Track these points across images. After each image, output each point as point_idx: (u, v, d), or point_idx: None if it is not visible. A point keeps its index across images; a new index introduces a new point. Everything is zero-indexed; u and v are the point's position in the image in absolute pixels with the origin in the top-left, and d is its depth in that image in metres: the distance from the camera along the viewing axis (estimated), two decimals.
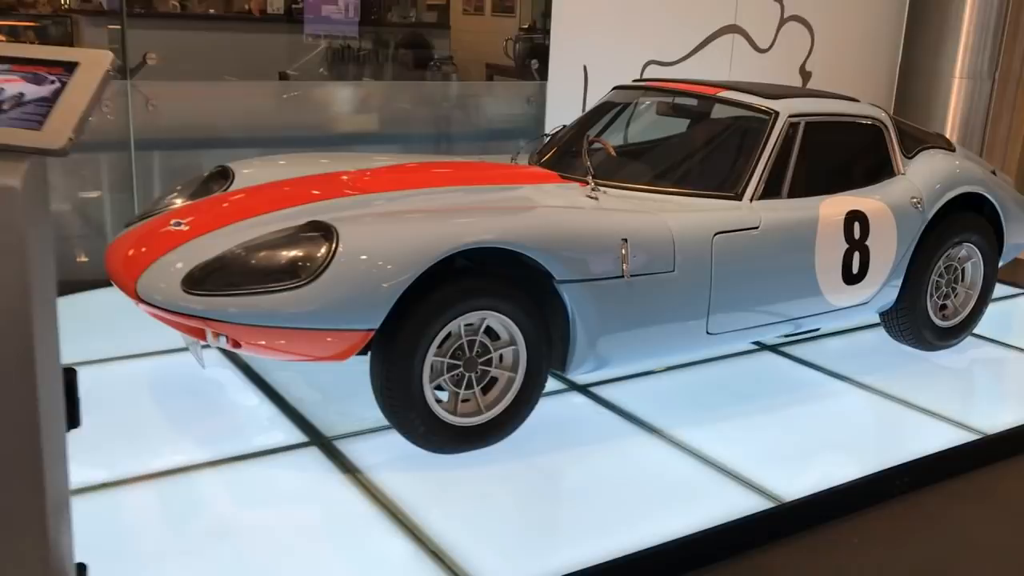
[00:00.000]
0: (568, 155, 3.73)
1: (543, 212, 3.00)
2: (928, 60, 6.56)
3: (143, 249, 2.89)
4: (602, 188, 3.34)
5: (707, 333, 3.21)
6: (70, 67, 1.51)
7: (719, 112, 3.70)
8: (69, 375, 1.64)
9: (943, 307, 3.96)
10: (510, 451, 2.91)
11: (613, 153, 3.56)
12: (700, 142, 3.70)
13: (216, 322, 2.59)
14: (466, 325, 2.77)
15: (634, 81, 4.11)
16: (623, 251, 2.94)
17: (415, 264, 2.60)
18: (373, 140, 5.30)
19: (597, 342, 2.96)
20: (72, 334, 3.58)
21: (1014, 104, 6.51)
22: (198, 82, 4.96)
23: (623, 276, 2.94)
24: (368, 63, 7.35)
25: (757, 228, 3.24)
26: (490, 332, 2.84)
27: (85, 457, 2.63)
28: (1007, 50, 6.45)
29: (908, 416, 3.40)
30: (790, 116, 3.47)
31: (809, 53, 6.35)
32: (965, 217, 3.86)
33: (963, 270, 3.98)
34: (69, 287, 4.16)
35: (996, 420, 3.37)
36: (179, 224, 2.97)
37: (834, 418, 3.35)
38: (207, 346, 2.72)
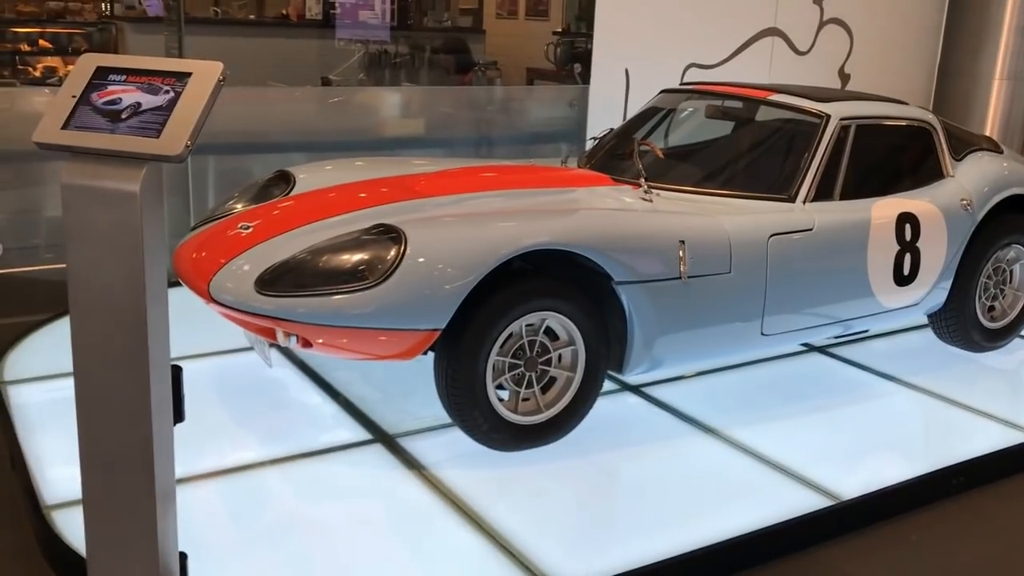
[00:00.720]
0: (617, 158, 3.78)
1: (598, 214, 3.06)
2: (968, 62, 6.55)
3: (212, 252, 2.98)
4: (655, 190, 3.39)
5: (761, 334, 3.25)
6: (182, 77, 1.58)
7: (768, 115, 3.74)
8: (176, 371, 1.72)
9: (991, 308, 3.98)
10: (569, 449, 2.96)
11: (662, 155, 3.61)
12: (751, 145, 3.75)
13: (287, 322, 2.67)
14: (527, 325, 2.83)
15: (681, 84, 4.16)
16: (680, 252, 2.99)
17: (478, 267, 2.67)
18: (418, 144, 5.38)
19: (654, 343, 3.02)
20: None
21: None
22: (247, 87, 5.06)
23: (680, 277, 2.99)
24: (406, 67, 7.45)
25: (811, 230, 3.28)
26: (550, 332, 2.90)
27: None
28: None
29: (958, 416, 3.43)
30: (841, 119, 3.51)
31: (848, 55, 6.36)
32: (1014, 219, 3.87)
33: (1011, 272, 3.99)
34: None
35: None
36: (246, 228, 3.05)
37: (884, 418, 3.38)
38: (275, 345, 2.80)
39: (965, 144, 3.96)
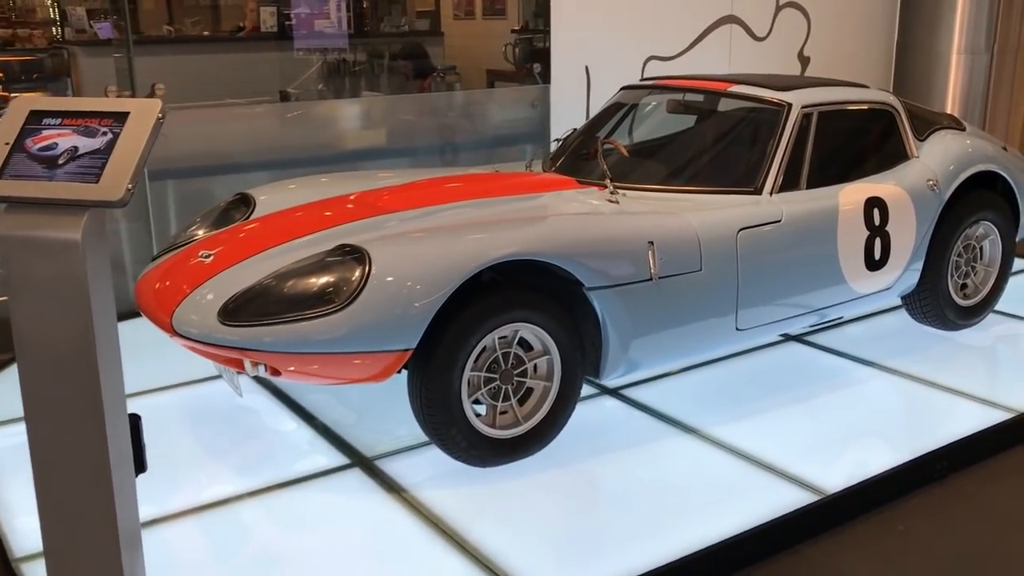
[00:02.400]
0: (582, 159, 3.74)
1: (566, 220, 3.01)
2: (925, 38, 6.57)
3: (174, 283, 2.91)
4: (621, 191, 3.35)
5: (736, 329, 3.23)
6: (120, 118, 1.52)
7: (730, 107, 3.72)
8: (134, 421, 1.66)
9: (963, 286, 3.97)
10: (550, 459, 2.92)
11: (626, 154, 3.58)
12: (714, 138, 3.72)
13: (254, 352, 2.61)
14: (500, 338, 2.79)
15: (642, 80, 4.13)
16: (650, 254, 2.95)
17: (447, 282, 2.62)
18: (381, 155, 5.32)
19: (629, 346, 2.98)
20: None
21: (1013, 77, 6.53)
22: (204, 108, 4.97)
23: (651, 279, 2.96)
24: (365, 75, 7.37)
25: (780, 221, 3.26)
26: (524, 343, 2.86)
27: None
28: (1003, 23, 6.46)
29: (937, 398, 3.42)
30: (803, 107, 3.49)
31: (806, 38, 6.36)
32: (980, 195, 3.87)
33: (981, 248, 3.99)
34: None
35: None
36: (207, 256, 2.99)
37: (864, 405, 3.37)
38: (245, 373, 2.74)
39: (927, 124, 3.95)
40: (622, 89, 4.15)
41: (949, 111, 6.51)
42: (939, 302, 3.85)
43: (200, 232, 3.30)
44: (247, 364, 2.65)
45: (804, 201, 3.37)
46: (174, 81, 5.94)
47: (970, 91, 6.48)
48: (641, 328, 2.99)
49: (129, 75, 4.54)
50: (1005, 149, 4.15)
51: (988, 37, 6.44)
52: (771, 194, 3.35)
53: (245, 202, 3.42)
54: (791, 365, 3.72)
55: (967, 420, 3.23)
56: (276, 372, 2.65)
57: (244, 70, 6.98)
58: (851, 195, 3.48)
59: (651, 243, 2.97)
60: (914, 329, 4.04)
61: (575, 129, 4.16)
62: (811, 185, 3.45)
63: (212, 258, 2.97)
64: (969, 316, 3.99)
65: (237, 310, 2.67)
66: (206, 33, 8.30)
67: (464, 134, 5.55)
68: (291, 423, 3.20)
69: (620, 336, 2.94)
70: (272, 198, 3.43)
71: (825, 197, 3.43)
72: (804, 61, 6.41)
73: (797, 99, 3.51)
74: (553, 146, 4.07)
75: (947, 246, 3.78)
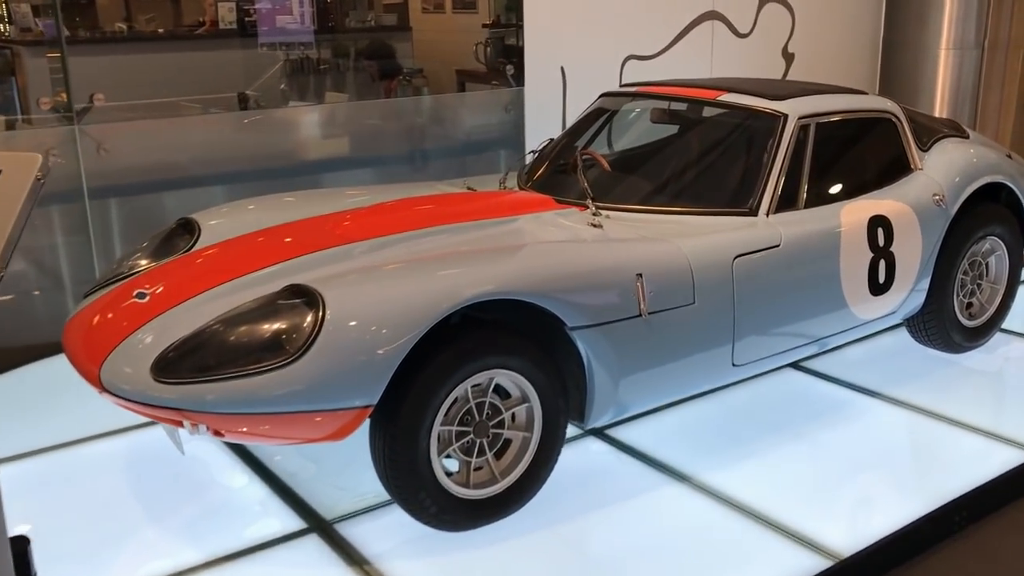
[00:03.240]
0: (559, 174, 3.45)
1: (546, 251, 2.71)
2: (913, 33, 6.32)
3: (104, 328, 2.58)
4: (603, 212, 3.06)
5: (733, 365, 2.95)
6: None
7: (720, 116, 3.43)
8: (20, 546, 1.34)
9: (968, 305, 3.72)
10: (531, 519, 2.63)
11: (608, 168, 3.28)
12: (703, 152, 3.42)
13: (194, 413, 2.29)
14: (473, 387, 2.49)
15: (623, 86, 3.83)
16: (639, 287, 2.66)
17: (412, 327, 2.31)
18: (346, 165, 4.98)
19: (618, 388, 2.69)
20: (31, 413, 3.29)
21: (1004, 72, 6.29)
22: (152, 120, 4.61)
23: (641, 315, 2.67)
24: (331, 75, 7.01)
25: (778, 246, 2.97)
26: (500, 390, 2.56)
27: (61, 568, 2.33)
28: (994, 17, 6.22)
29: (945, 434, 3.16)
30: (800, 118, 3.21)
31: (791, 35, 6.09)
32: (987, 209, 3.62)
33: (987, 265, 3.74)
34: (29, 353, 3.83)
35: None
36: (143, 296, 2.66)
37: (868, 443, 3.10)
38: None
39: (930, 132, 3.69)
40: (601, 96, 3.85)
41: (937, 109, 6.27)
42: (944, 324, 3.59)
43: (142, 262, 2.96)
44: (187, 425, 2.33)
45: (803, 223, 3.09)
46: (123, 82, 5.57)
47: (959, 88, 6.24)
48: (630, 368, 2.70)
49: (64, 80, 4.17)
50: (1010, 156, 3.90)
51: (978, 32, 6.20)
52: (767, 215, 3.06)
53: (188, 229, 3.08)
54: (787, 396, 3.45)
55: (980, 460, 2.98)
56: (219, 433, 2.34)
57: (200, 70, 6.60)
58: (853, 214, 3.20)
59: (639, 275, 2.67)
60: (915, 351, 3.78)
61: (551, 140, 3.86)
62: (809, 204, 3.17)
63: (148, 298, 2.64)
64: (975, 337, 3.74)
65: (174, 364, 2.34)
66: (161, 30, 7.90)
67: (434, 141, 5.22)
68: (242, 477, 2.88)
69: (607, 378, 2.65)
70: (225, 223, 3.10)
71: (826, 218, 3.15)
72: (788, 58, 6.14)
73: (793, 109, 3.22)
74: (528, 158, 3.76)
75: (953, 264, 3.52)
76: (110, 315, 2.64)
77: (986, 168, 3.63)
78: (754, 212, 3.06)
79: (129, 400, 2.36)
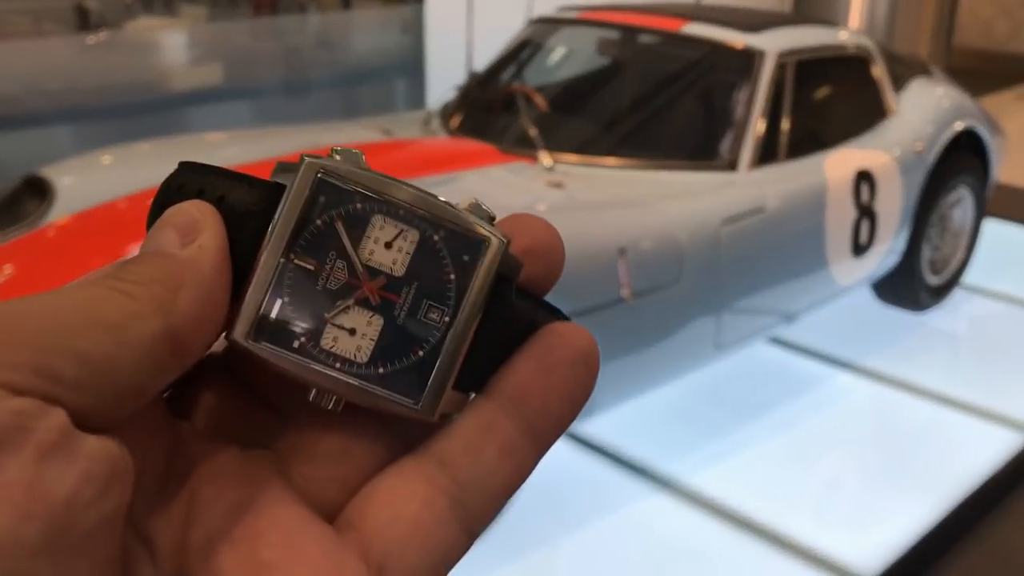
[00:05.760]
0: (490, 117, 2.91)
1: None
2: None
3: None
4: (560, 165, 2.55)
5: (715, 347, 2.53)
6: None
7: (684, 51, 2.94)
8: None
9: (931, 261, 3.43)
10: (500, 544, 2.16)
11: (546, 109, 2.78)
12: (670, 96, 2.92)
13: None
14: None
15: (561, 9, 3.28)
16: (621, 265, 2.18)
17: None
18: (216, 97, 4.24)
19: (596, 386, 2.22)
20: None
21: (919, 5, 6.03)
22: None
23: (624, 299, 2.20)
24: None
25: (763, 207, 2.55)
26: None
27: None
28: None
29: (936, 415, 2.86)
30: (779, 55, 2.76)
31: None
32: (960, 157, 3.30)
33: (950, 215, 3.45)
34: None
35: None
36: None
37: (854, 427, 2.79)
38: None
39: (902, 70, 3.32)
40: (533, 23, 3.30)
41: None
42: (914, 283, 3.28)
43: None
44: None
45: (787, 179, 2.67)
46: None
47: (873, 22, 5.94)
48: (608, 364, 2.23)
49: None
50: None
51: None
52: (749, 170, 2.63)
53: (38, 188, 2.38)
54: (759, 372, 3.06)
55: (976, 444, 2.70)
56: None
57: None
58: (838, 168, 2.80)
59: (623, 251, 2.19)
60: (873, 309, 3.47)
61: (474, 74, 3.30)
62: (790, 156, 2.75)
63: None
64: (940, 294, 3.46)
65: None
66: None
67: (320, 69, 4.53)
68: None
69: None
70: (81, 181, 2.42)
71: (810, 172, 2.73)
72: None
73: (771, 45, 2.77)
74: (451, 96, 3.19)
75: (926, 220, 3.21)
76: None
77: (959, 112, 3.31)
78: (733, 167, 2.62)
79: None
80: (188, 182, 0.34)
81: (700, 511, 2.35)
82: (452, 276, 0.34)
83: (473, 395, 0.34)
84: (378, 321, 0.33)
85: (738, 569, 2.19)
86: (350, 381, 0.33)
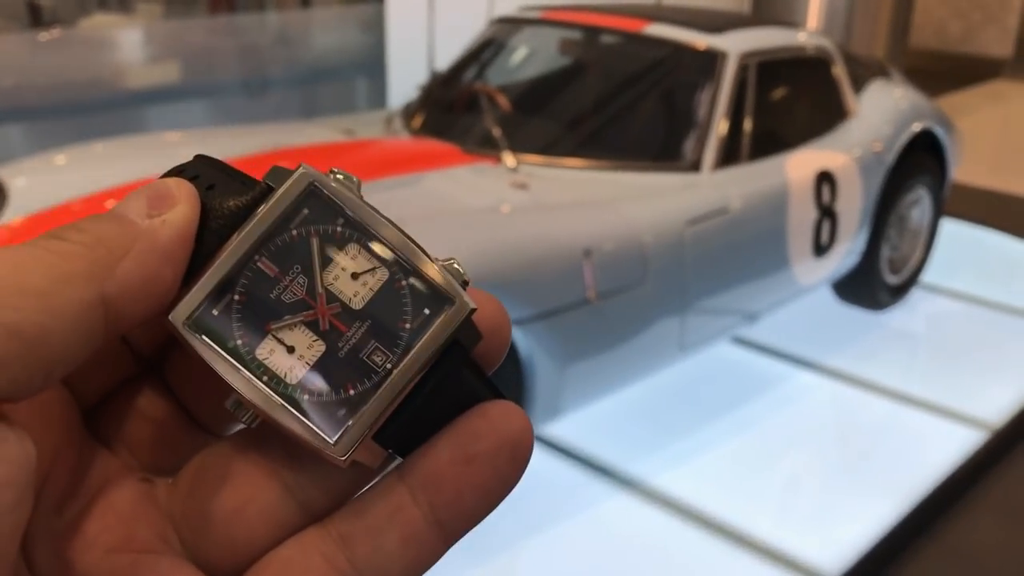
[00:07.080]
0: (453, 117, 2.89)
1: (473, 226, 2.17)
2: None
3: None
4: (525, 167, 2.54)
5: (679, 347, 2.54)
6: None
7: (647, 51, 2.94)
8: None
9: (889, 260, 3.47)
10: (458, 547, 2.14)
11: (507, 108, 2.76)
12: (632, 97, 2.91)
13: None
14: None
15: (523, 9, 3.26)
16: (586, 267, 2.18)
17: None
18: (172, 96, 4.17)
19: (559, 390, 2.22)
20: None
21: (879, 2, 6.11)
22: None
23: (588, 301, 2.19)
24: None
25: (726, 208, 2.55)
26: None
27: None
28: None
29: (897, 413, 2.89)
30: (741, 56, 2.77)
31: None
32: (918, 158, 3.34)
33: (908, 215, 3.49)
34: None
35: (984, 402, 2.93)
36: None
37: (816, 426, 2.81)
38: None
39: (862, 72, 3.35)
40: (495, 22, 3.28)
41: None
42: (873, 282, 3.32)
43: None
44: None
45: (751, 179, 2.68)
46: None
47: (831, 23, 6.01)
48: (572, 365, 2.23)
49: None
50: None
51: None
52: (712, 171, 2.63)
53: None
54: (721, 371, 3.08)
55: (931, 439, 2.73)
56: None
57: None
58: (799, 169, 2.82)
59: (588, 253, 2.18)
60: (832, 309, 3.50)
61: (435, 73, 3.27)
62: (753, 157, 2.76)
63: None
64: (899, 293, 3.50)
65: None
66: None
67: (279, 68, 4.48)
68: None
69: (549, 379, 2.17)
70: (34, 182, 2.37)
71: (772, 173, 2.75)
72: None
73: (734, 45, 2.78)
74: (410, 96, 3.16)
75: (886, 220, 3.24)
76: None
77: (916, 113, 3.35)
78: (696, 168, 2.62)
79: None
80: (188, 169, 0.33)
81: (663, 510, 2.35)
82: (408, 325, 0.32)
83: (391, 452, 0.33)
84: (320, 347, 0.32)
85: (701, 568, 2.19)
86: (273, 398, 0.32)
